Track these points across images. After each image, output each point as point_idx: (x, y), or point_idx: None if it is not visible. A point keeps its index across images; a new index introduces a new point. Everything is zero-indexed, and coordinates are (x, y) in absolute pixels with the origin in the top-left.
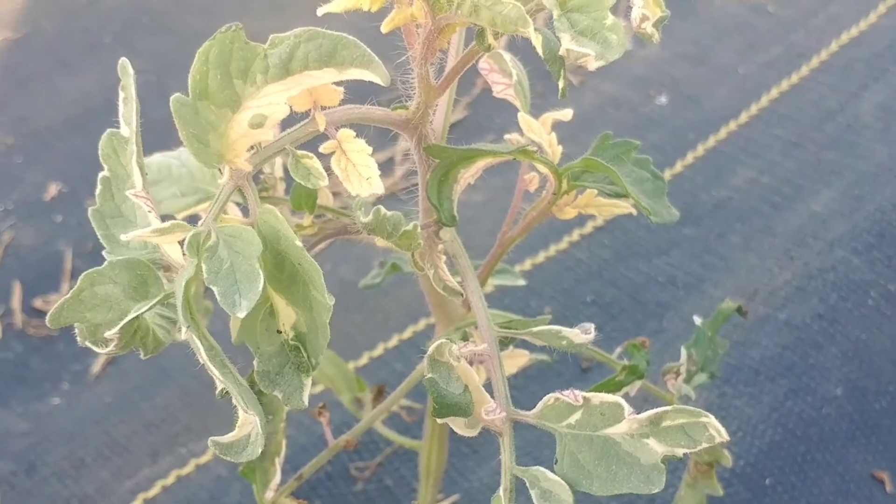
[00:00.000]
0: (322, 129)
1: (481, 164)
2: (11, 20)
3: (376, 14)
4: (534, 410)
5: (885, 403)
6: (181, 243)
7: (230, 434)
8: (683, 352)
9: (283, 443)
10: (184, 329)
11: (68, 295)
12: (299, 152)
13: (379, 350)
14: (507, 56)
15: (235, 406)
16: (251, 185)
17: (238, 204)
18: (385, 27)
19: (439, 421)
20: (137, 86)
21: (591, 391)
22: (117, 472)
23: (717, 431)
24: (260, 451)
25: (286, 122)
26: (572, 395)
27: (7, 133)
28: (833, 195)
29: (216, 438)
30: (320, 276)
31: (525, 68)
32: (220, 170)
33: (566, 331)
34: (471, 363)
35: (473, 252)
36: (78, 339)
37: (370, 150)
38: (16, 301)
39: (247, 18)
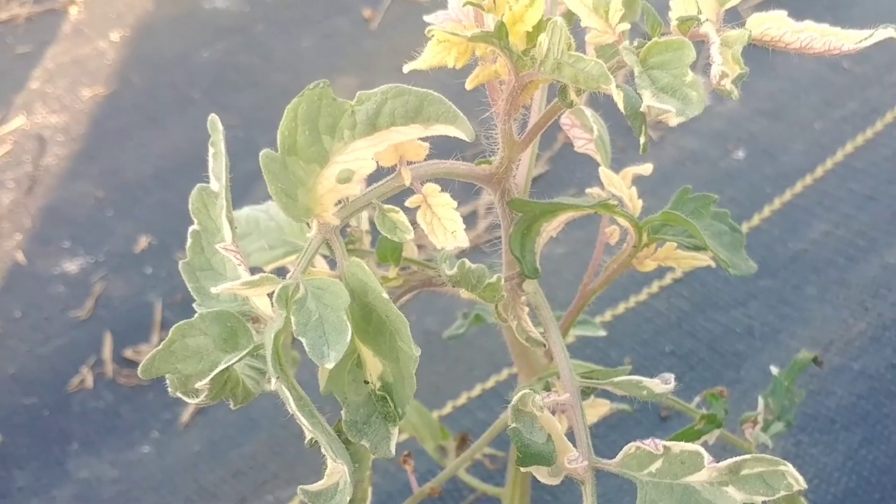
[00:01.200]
0: (408, 183)
1: (563, 217)
2: (102, 76)
3: (461, 71)
4: (615, 459)
5: None
6: (270, 296)
7: (319, 482)
8: (760, 401)
9: (370, 490)
10: (273, 380)
11: (160, 346)
12: (386, 206)
13: (462, 399)
14: (589, 112)
15: (323, 455)
16: (338, 239)
17: (325, 257)
18: (469, 84)
19: (523, 469)
20: (226, 141)
21: (670, 440)
22: None
23: (795, 479)
24: (348, 499)
25: (372, 177)
26: (653, 444)
27: (98, 187)
28: None
29: (305, 487)
30: (406, 327)
31: (605, 123)
32: (308, 223)
33: (646, 381)
34: (553, 412)
35: (555, 303)
36: (169, 389)
37: (455, 204)
38: (107, 351)
39: (333, 75)
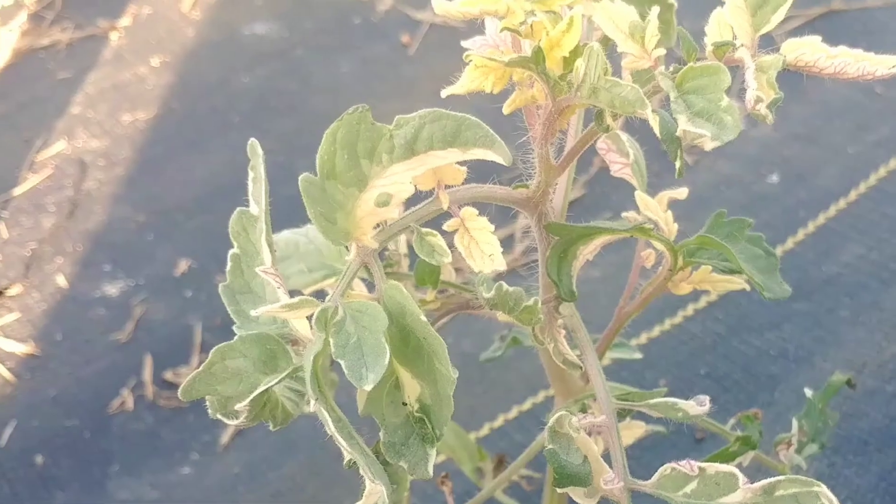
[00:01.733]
0: (446, 207)
1: (600, 241)
2: (143, 101)
3: (498, 96)
4: (651, 480)
5: None
6: (309, 318)
7: (357, 503)
8: (795, 423)
9: None
10: (312, 401)
11: (200, 368)
12: (424, 230)
13: (499, 421)
14: (625, 136)
15: (362, 476)
16: (377, 262)
17: (363, 279)
18: (507, 108)
19: (559, 490)
20: (266, 165)
21: (705, 461)
22: None
23: (829, 500)
24: None
25: (410, 201)
26: (688, 465)
27: (139, 211)
28: None
29: None
30: (444, 349)
31: (641, 148)
32: (346, 247)
33: (682, 403)
34: (589, 434)
35: (591, 326)
36: (209, 411)
37: (492, 227)
38: (147, 374)
39: (372, 100)
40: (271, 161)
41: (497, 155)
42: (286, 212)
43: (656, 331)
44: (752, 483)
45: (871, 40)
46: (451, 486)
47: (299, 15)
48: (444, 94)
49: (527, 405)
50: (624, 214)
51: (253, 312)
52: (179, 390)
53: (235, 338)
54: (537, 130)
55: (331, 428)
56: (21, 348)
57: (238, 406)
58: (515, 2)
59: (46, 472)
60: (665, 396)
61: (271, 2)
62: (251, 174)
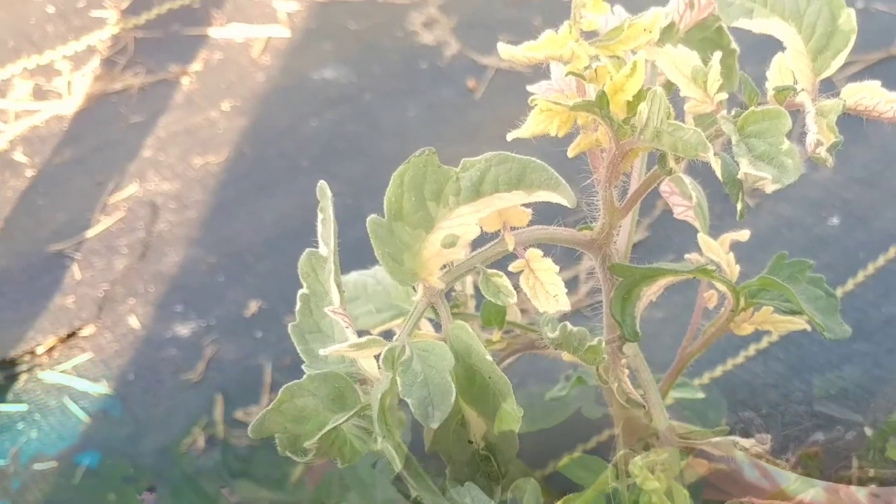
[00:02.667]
0: (511, 248)
1: (663, 282)
2: (213, 145)
3: (563, 139)
4: None
5: None
6: (377, 357)
7: None
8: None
9: None
10: (380, 439)
11: (269, 406)
12: (490, 271)
13: (564, 459)
14: (688, 179)
15: None
16: (443, 302)
17: (430, 320)
18: (571, 152)
19: None
20: (334, 208)
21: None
22: None
23: None
24: None
25: (476, 242)
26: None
27: (210, 253)
28: None
29: None
30: (510, 388)
31: (703, 191)
32: (413, 287)
33: (743, 441)
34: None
35: (655, 366)
36: (278, 448)
37: (557, 268)
38: (218, 413)
39: (438, 143)
40: (340, 203)
41: (562, 197)
42: (354, 253)
43: (718, 371)
44: None
45: None
46: None
47: (367, 60)
48: (509, 137)
49: (591, 443)
50: (687, 256)
51: (322, 351)
52: (249, 428)
53: (304, 377)
54: (601, 173)
55: (398, 465)
56: (94, 388)
57: (307, 444)
58: (580, 47)
59: None
60: (727, 435)
61: (340, 47)
62: (320, 216)
